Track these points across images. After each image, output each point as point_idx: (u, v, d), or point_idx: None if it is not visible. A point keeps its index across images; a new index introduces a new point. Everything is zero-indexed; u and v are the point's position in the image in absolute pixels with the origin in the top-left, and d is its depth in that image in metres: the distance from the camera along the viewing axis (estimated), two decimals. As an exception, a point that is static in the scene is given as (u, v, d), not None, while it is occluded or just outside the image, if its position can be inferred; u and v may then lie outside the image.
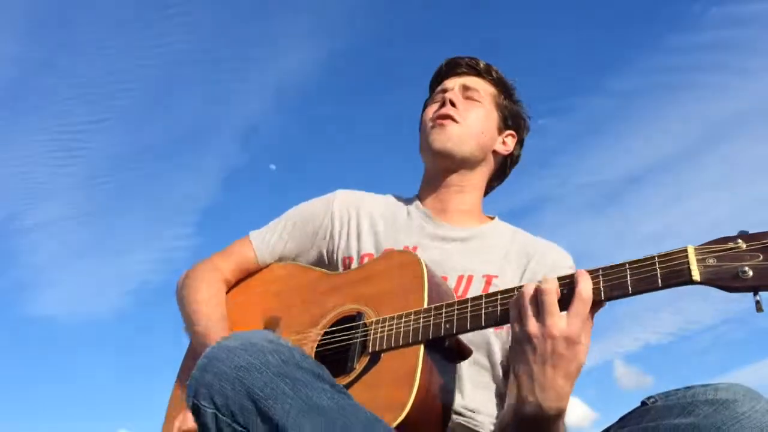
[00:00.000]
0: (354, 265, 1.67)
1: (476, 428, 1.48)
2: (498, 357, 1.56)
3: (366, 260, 1.65)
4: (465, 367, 1.52)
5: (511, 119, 1.87)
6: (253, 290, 1.76)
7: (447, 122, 1.74)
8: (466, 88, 1.81)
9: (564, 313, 1.13)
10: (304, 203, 1.84)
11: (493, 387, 1.56)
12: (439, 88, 1.86)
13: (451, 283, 1.60)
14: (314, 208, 1.80)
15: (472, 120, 1.77)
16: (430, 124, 1.78)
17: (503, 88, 1.88)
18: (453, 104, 1.77)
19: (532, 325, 1.12)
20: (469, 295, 1.58)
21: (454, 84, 1.83)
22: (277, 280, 1.75)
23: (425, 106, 1.89)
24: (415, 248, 1.67)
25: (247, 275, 1.80)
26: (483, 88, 1.83)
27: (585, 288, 1.12)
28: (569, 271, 1.69)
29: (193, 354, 1.69)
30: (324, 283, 1.60)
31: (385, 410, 1.22)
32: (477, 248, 1.70)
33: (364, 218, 1.75)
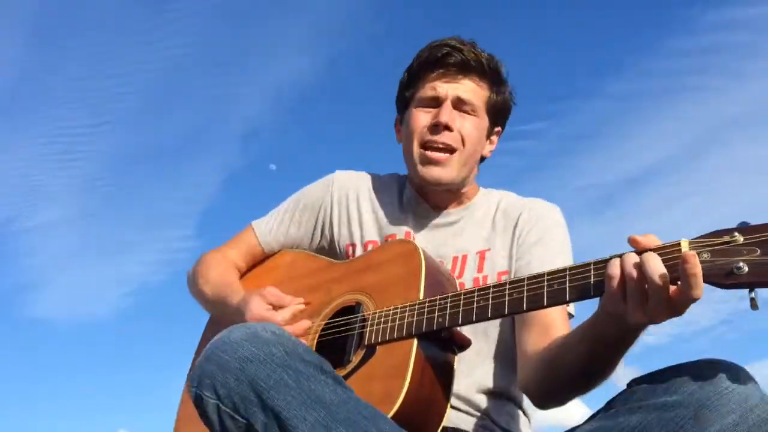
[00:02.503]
0: (358, 251, 1.69)
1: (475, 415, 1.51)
2: (495, 333, 1.58)
3: (370, 247, 1.66)
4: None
5: (500, 115, 1.73)
6: (261, 277, 1.79)
7: (444, 158, 1.61)
8: (460, 101, 1.62)
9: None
10: (303, 189, 1.83)
11: (492, 364, 1.57)
12: (430, 90, 1.64)
13: (447, 266, 1.61)
14: (313, 194, 1.80)
15: (467, 144, 1.63)
16: (420, 150, 1.63)
17: (495, 82, 1.69)
18: (449, 128, 1.60)
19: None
20: (466, 274, 1.59)
21: (446, 92, 1.62)
22: (284, 267, 1.77)
23: (408, 97, 1.70)
24: (415, 237, 1.68)
25: (255, 262, 1.83)
26: (477, 95, 1.65)
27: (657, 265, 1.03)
28: (556, 223, 1.64)
29: (213, 326, 1.74)
30: (328, 272, 1.62)
31: (379, 403, 1.24)
32: (467, 226, 1.69)
33: (364, 203, 1.75)
